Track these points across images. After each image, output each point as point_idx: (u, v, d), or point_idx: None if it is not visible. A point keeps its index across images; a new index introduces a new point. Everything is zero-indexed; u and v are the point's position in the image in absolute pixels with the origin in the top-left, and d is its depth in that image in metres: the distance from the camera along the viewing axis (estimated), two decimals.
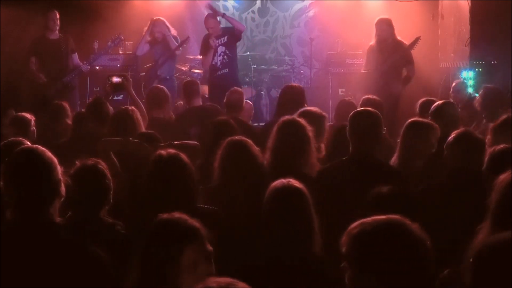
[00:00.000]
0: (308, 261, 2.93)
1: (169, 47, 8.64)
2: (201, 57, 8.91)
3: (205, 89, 8.65)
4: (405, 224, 2.06)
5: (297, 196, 3.04)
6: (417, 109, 5.68)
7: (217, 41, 8.50)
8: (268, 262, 2.95)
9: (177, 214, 2.50)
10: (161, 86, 6.78)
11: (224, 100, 6.32)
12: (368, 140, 4.00)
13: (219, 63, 8.57)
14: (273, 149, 4.18)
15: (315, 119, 4.67)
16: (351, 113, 4.17)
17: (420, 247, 2.03)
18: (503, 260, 1.89)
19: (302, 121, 4.29)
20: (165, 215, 2.50)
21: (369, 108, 4.30)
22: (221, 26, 8.71)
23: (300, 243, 2.97)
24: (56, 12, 8.31)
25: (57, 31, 8.36)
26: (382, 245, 2.02)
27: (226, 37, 8.56)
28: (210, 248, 2.43)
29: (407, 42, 7.94)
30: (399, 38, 7.94)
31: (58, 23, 8.33)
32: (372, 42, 8.03)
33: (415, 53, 8.85)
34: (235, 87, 6.52)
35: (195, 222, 2.46)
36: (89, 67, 8.55)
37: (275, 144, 4.18)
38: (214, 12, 8.65)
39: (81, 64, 8.46)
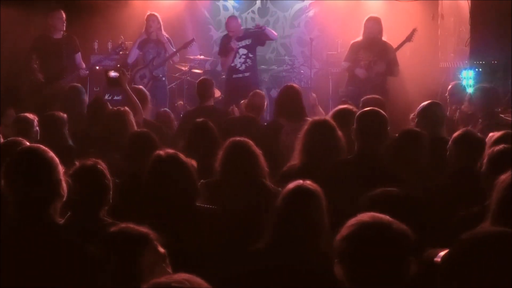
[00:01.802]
0: (313, 264, 2.93)
1: (163, 47, 8.60)
2: (220, 58, 8.92)
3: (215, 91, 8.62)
4: (391, 223, 2.09)
5: (308, 198, 3.01)
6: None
7: (238, 43, 8.50)
8: (272, 264, 2.95)
9: (123, 224, 2.50)
10: (140, 87, 6.82)
11: (247, 102, 6.33)
12: (374, 140, 4.03)
13: (239, 65, 8.57)
14: (304, 150, 4.24)
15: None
16: (359, 113, 4.20)
17: (401, 246, 2.06)
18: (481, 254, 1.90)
19: (331, 121, 4.38)
20: (112, 228, 2.49)
21: (376, 108, 4.32)
22: (243, 28, 8.74)
23: (307, 246, 2.96)
24: (63, 12, 8.30)
25: (61, 31, 8.34)
26: (367, 242, 2.06)
27: (250, 40, 8.57)
28: (162, 250, 2.42)
29: (396, 42, 8.06)
30: (384, 39, 8.06)
31: (65, 23, 8.32)
32: (360, 38, 8.13)
33: (415, 52, 8.86)
34: (257, 90, 6.56)
35: (143, 228, 2.45)
36: (87, 72, 8.51)
37: (306, 145, 4.24)
38: (257, 27, 8.63)
39: (82, 67, 8.46)
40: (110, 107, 5.86)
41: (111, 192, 3.39)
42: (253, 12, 11.25)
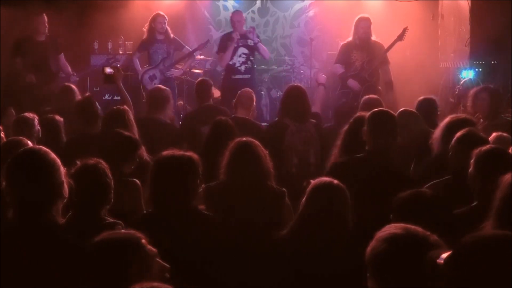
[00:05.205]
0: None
1: (173, 47, 8.60)
2: (218, 55, 8.86)
3: (215, 91, 8.60)
4: (425, 234, 2.11)
5: (336, 191, 3.24)
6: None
7: (241, 40, 8.46)
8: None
9: (108, 232, 2.37)
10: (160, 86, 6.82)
11: (235, 101, 6.33)
12: (387, 138, 4.04)
13: (238, 64, 8.52)
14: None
15: None
16: (370, 113, 4.20)
17: (428, 253, 2.07)
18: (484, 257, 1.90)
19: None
20: (100, 237, 2.35)
21: (387, 109, 4.36)
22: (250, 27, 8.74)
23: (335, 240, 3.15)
24: (45, 16, 8.20)
25: (44, 34, 8.24)
26: (405, 256, 2.07)
27: (254, 43, 8.53)
28: (153, 249, 2.32)
29: (386, 42, 8.09)
30: (374, 38, 8.10)
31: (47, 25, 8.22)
32: (350, 39, 8.17)
33: (415, 52, 8.84)
34: (246, 88, 6.57)
35: (131, 231, 2.35)
36: (77, 78, 8.31)
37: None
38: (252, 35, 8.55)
39: (67, 69, 8.36)
40: (98, 106, 5.85)
41: (112, 191, 3.38)
42: (253, 12, 11.26)
